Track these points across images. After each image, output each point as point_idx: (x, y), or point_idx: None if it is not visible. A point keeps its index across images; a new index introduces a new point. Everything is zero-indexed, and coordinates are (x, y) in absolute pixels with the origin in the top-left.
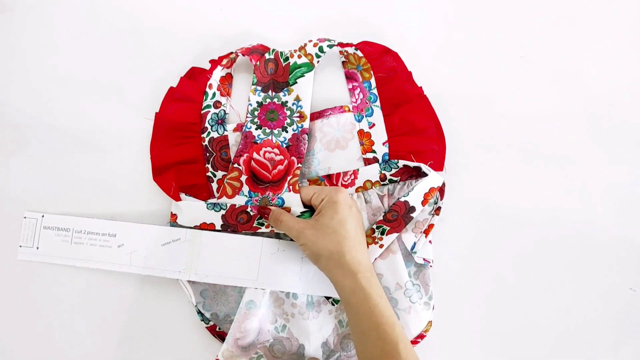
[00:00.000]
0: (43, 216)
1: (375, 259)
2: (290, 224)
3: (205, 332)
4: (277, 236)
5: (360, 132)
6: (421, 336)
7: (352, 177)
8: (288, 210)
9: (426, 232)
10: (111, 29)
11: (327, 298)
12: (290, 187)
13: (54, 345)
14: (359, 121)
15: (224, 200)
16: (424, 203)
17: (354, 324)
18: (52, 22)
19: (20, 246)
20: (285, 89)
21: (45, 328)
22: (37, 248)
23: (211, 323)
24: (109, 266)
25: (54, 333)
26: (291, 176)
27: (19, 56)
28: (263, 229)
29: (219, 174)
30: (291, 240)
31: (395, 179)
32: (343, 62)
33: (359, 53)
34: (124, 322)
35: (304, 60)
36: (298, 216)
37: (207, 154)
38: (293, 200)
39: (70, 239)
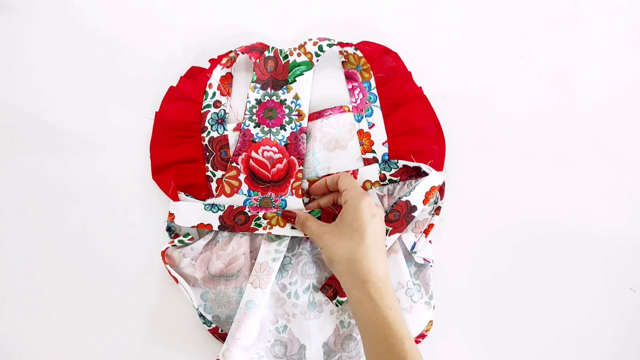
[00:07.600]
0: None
1: None
2: (313, 228)
3: (208, 334)
4: (277, 238)
5: (360, 132)
6: (422, 335)
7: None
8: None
9: (426, 232)
10: (111, 28)
11: (330, 299)
12: (294, 190)
13: (54, 346)
14: (359, 121)
15: (222, 200)
16: (425, 202)
17: (363, 335)
18: (52, 23)
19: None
20: (284, 87)
21: (46, 327)
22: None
23: (213, 325)
24: None
25: (53, 334)
26: (294, 179)
27: (19, 56)
28: (260, 230)
29: (219, 173)
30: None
31: (394, 179)
32: (343, 62)
33: (359, 53)
34: (125, 324)
35: (303, 58)
36: None
37: (207, 154)
38: (296, 205)
39: None
